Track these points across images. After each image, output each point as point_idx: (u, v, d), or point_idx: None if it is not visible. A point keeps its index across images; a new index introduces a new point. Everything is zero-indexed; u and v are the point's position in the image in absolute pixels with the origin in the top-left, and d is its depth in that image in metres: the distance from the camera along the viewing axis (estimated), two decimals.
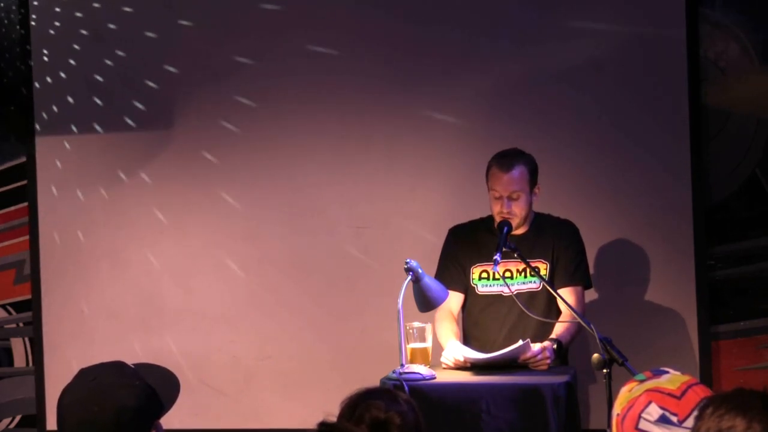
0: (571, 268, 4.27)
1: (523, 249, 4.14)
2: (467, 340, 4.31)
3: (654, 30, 4.93)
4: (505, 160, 4.24)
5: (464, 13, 5.06)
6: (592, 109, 4.98)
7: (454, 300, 4.30)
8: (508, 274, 4.25)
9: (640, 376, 2.18)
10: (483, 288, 4.30)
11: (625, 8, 4.95)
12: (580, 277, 4.30)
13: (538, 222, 4.34)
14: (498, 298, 4.28)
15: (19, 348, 5.46)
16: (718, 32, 4.91)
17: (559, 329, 4.15)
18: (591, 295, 4.71)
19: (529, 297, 4.22)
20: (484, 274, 4.29)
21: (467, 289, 4.33)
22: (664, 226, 4.94)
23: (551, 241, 4.29)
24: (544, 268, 4.24)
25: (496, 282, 4.27)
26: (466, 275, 4.32)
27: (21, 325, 5.44)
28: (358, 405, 2.55)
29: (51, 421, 5.34)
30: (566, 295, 4.17)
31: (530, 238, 4.29)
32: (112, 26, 5.31)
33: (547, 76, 5.00)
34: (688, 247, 4.91)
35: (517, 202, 4.21)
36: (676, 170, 4.91)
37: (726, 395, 1.87)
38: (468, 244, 4.33)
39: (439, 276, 4.28)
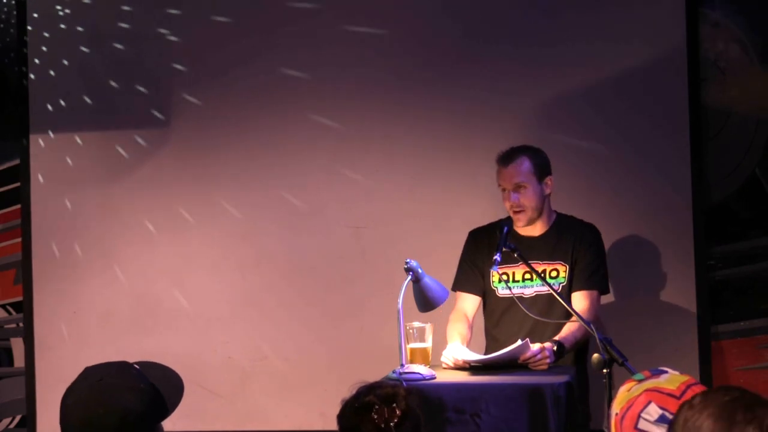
0: (588, 271, 4.27)
1: (543, 250, 4.16)
2: (488, 340, 4.34)
3: (654, 30, 4.93)
4: (507, 154, 4.28)
5: (465, 14, 5.06)
6: (591, 109, 4.98)
7: (469, 303, 4.32)
8: (527, 276, 4.25)
9: (639, 376, 2.17)
10: (503, 291, 4.31)
11: (625, 8, 4.95)
12: (596, 282, 4.29)
13: (560, 223, 4.34)
14: (518, 300, 4.28)
15: (19, 348, 5.45)
16: (718, 32, 4.91)
17: (564, 331, 4.15)
18: None
19: (548, 300, 4.22)
20: (504, 277, 4.29)
21: (484, 293, 4.35)
22: (664, 226, 4.94)
23: (571, 243, 4.28)
24: (563, 270, 4.24)
25: (516, 284, 4.28)
26: (484, 278, 4.33)
27: (21, 325, 5.44)
28: (361, 393, 2.61)
29: (42, 422, 5.32)
30: (581, 298, 4.17)
31: (551, 239, 4.30)
32: (108, 25, 5.30)
33: (546, 77, 5.00)
34: (688, 247, 4.91)
35: (523, 194, 4.22)
36: (676, 170, 4.91)
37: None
38: (486, 247, 4.33)
39: (457, 278, 4.34)
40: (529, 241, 4.26)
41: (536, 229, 4.29)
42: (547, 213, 4.31)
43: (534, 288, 4.24)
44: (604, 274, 4.34)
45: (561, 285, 4.22)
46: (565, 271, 4.25)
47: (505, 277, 4.29)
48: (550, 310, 4.19)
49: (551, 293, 4.16)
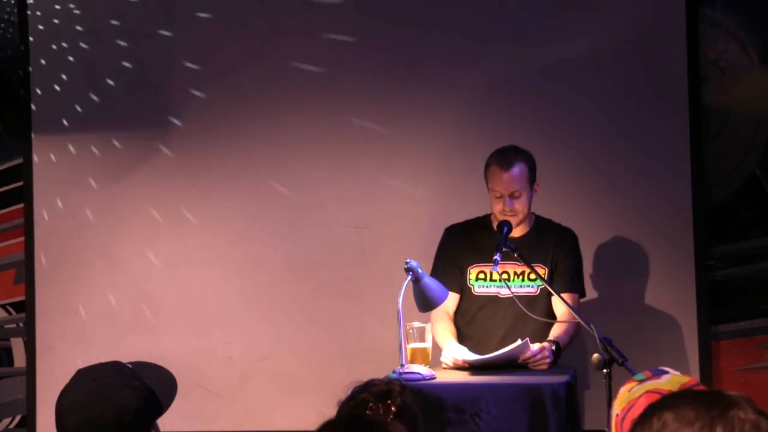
0: (569, 275, 4.28)
1: (523, 251, 4.13)
2: (461, 339, 4.29)
3: (654, 30, 4.93)
4: (504, 158, 4.23)
5: (463, 13, 5.06)
6: (591, 109, 4.98)
7: (450, 300, 4.29)
8: (505, 275, 4.24)
9: (640, 376, 2.16)
10: (480, 289, 4.30)
11: (625, 8, 4.96)
12: (576, 285, 4.31)
13: (539, 225, 4.34)
14: (494, 299, 4.27)
15: (19, 348, 5.45)
16: (718, 32, 4.91)
17: (556, 331, 4.15)
18: (591, 294, 4.71)
19: (527, 302, 4.21)
20: (482, 275, 4.29)
21: (462, 290, 4.33)
22: (664, 226, 4.94)
23: (552, 246, 4.29)
24: (543, 272, 4.23)
25: (493, 283, 4.27)
26: (463, 275, 4.32)
27: (21, 325, 5.44)
28: (356, 392, 2.61)
29: (42, 422, 5.32)
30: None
31: (531, 241, 4.29)
32: (110, 24, 5.31)
33: (546, 77, 5.00)
34: (688, 247, 4.91)
35: (518, 200, 4.20)
36: (676, 170, 4.92)
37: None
38: (465, 244, 4.33)
39: (435, 276, 4.26)
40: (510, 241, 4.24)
41: (517, 231, 4.27)
42: (529, 215, 4.31)
43: (513, 288, 4.23)
44: (582, 278, 4.38)
45: (539, 287, 4.21)
46: (545, 274, 4.23)
47: (482, 276, 4.29)
48: (529, 310, 4.18)
49: (529, 295, 4.21)
